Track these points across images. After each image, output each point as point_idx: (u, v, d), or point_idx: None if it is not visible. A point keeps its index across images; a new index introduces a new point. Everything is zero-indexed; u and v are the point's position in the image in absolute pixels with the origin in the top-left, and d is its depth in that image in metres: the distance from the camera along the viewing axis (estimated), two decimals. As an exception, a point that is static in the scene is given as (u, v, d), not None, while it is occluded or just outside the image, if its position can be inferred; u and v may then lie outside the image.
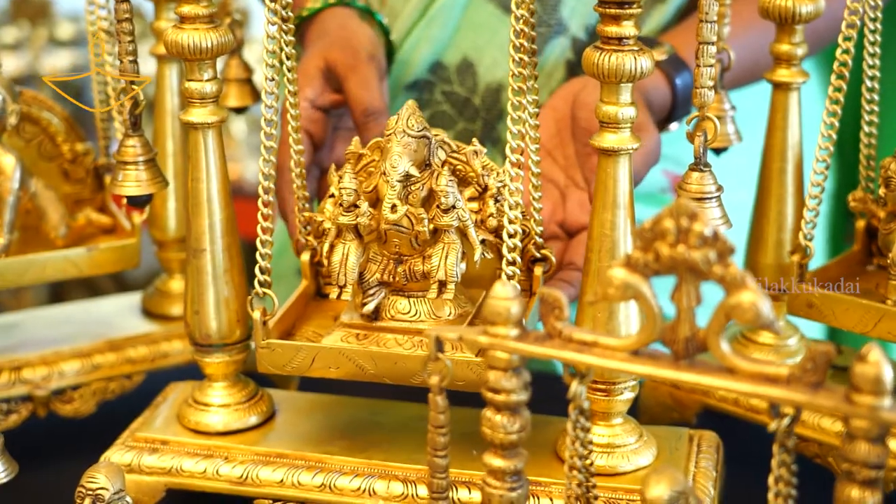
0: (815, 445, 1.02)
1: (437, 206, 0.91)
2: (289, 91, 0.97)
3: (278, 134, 0.95)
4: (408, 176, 0.91)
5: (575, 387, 0.76)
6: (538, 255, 0.97)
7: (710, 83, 0.86)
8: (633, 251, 0.71)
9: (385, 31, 1.18)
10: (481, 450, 0.94)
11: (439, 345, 0.77)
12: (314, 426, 1.00)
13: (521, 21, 0.87)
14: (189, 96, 0.93)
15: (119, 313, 1.20)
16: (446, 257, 0.91)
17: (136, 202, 0.97)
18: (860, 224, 1.05)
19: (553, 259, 0.97)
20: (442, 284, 0.91)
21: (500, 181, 0.94)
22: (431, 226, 0.91)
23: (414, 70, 1.21)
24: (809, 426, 1.01)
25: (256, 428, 1.00)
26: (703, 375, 0.71)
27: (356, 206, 0.92)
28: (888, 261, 0.98)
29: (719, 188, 0.88)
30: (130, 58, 0.94)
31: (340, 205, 0.92)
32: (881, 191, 0.99)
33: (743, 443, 1.04)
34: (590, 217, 0.90)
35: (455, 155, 0.95)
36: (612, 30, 0.85)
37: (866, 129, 1.03)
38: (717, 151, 1.12)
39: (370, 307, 0.94)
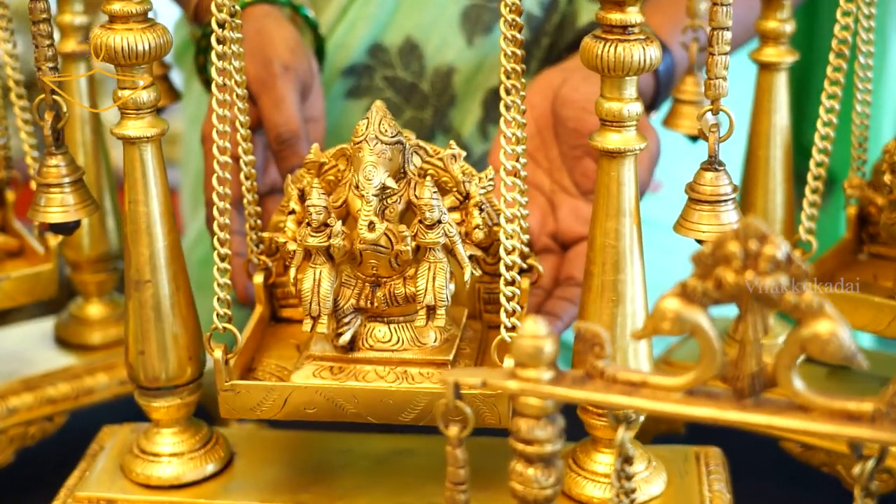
0: (823, 454, 0.96)
1: (421, 222, 0.81)
2: (237, 95, 0.85)
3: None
4: (384, 188, 0.81)
5: (621, 434, 0.68)
6: (524, 265, 0.88)
7: (725, 72, 0.77)
8: (690, 279, 0.62)
9: (312, 24, 1.07)
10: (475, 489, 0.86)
11: (457, 391, 0.68)
12: (280, 471, 0.89)
13: (512, 9, 0.77)
14: (123, 107, 0.81)
15: (31, 345, 1.08)
16: (434, 279, 0.81)
17: (62, 229, 0.85)
18: (851, 211, 0.98)
19: (541, 269, 0.88)
20: (430, 309, 0.81)
21: (484, 187, 0.85)
22: (414, 244, 0.81)
23: (351, 54, 1.10)
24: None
25: (215, 477, 0.88)
26: (775, 416, 0.62)
27: (327, 226, 0.81)
28: (898, 253, 0.92)
29: (735, 188, 0.80)
30: (51, 64, 0.82)
31: (308, 224, 0.81)
32: (886, 177, 0.92)
33: (736, 451, 0.97)
34: (590, 226, 0.82)
35: (430, 160, 0.85)
36: (615, 17, 0.76)
37: (859, 108, 0.96)
38: (694, 139, 1.04)
39: (346, 337, 0.83)
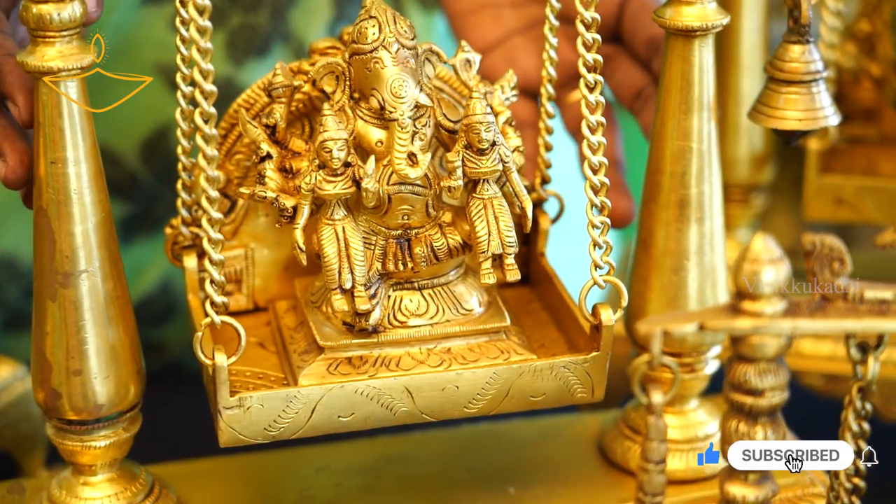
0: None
1: (468, 147, 0.69)
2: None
3: None
4: (416, 107, 0.69)
5: (872, 366, 0.61)
6: (543, 194, 0.79)
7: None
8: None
9: None
10: (518, 486, 0.77)
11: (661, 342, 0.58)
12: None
13: None
14: (36, 27, 0.64)
15: None
16: (496, 220, 0.70)
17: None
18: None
19: (562, 200, 0.79)
20: (497, 259, 0.70)
21: (507, 98, 0.74)
22: (466, 179, 0.70)
23: None
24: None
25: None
26: None
27: (348, 165, 0.68)
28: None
29: (826, 66, 0.74)
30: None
31: (321, 167, 0.68)
32: None
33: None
34: (656, 125, 0.74)
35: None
36: None
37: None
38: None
39: (378, 315, 0.71)
